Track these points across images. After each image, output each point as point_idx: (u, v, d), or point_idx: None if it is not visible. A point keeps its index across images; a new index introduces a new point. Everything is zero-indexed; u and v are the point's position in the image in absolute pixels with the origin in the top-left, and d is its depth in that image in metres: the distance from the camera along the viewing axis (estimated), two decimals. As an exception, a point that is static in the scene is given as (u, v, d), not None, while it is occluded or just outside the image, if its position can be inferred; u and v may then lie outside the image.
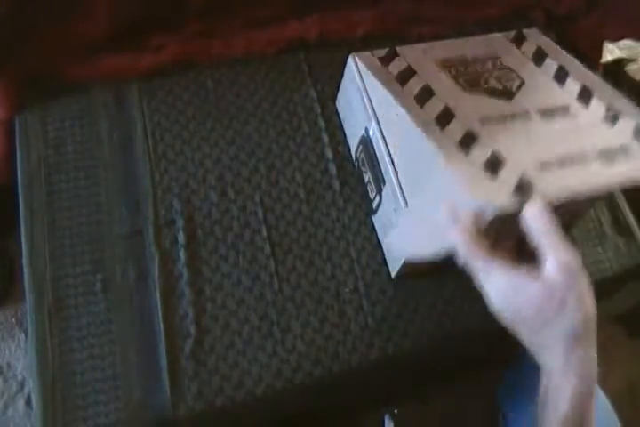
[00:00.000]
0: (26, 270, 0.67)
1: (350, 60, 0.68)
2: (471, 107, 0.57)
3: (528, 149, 0.52)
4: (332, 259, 0.70)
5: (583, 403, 0.45)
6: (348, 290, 0.68)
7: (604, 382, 0.75)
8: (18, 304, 1.16)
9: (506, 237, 0.51)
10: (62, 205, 0.70)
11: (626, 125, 0.55)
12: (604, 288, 0.72)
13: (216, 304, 0.67)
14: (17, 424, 1.09)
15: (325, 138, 0.76)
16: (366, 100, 0.65)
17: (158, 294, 0.66)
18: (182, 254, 0.68)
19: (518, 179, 0.49)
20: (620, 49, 1.15)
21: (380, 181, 0.65)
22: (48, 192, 0.70)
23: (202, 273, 0.68)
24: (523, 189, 0.48)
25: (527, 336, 0.48)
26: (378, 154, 0.64)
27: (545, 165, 0.50)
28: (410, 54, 0.63)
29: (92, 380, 0.63)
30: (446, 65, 0.62)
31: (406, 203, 0.60)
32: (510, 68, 0.62)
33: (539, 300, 0.45)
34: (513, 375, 0.81)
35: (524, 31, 0.66)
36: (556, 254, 0.45)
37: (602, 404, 0.74)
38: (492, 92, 0.59)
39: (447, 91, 0.59)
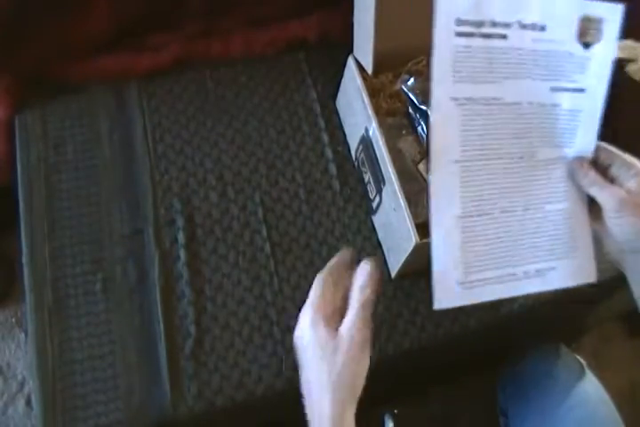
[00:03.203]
0: (26, 270, 0.67)
1: (350, 60, 0.68)
2: None
3: None
4: (332, 259, 0.70)
5: None
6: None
7: (605, 381, 0.76)
8: (18, 304, 1.17)
9: None
10: (62, 205, 0.70)
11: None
12: (603, 288, 0.72)
13: (216, 304, 0.67)
14: (17, 424, 1.09)
15: (325, 138, 0.76)
16: (366, 101, 0.65)
17: (158, 294, 0.66)
18: (182, 254, 0.68)
19: None
20: (620, 49, 1.15)
21: (379, 181, 0.65)
22: (48, 192, 0.70)
23: (202, 273, 0.68)
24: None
25: None
26: (378, 154, 0.64)
27: None
28: None
29: (92, 380, 0.63)
30: None
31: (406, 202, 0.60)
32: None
33: None
34: (513, 375, 0.81)
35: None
36: None
37: (604, 401, 0.74)
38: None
39: None
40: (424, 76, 0.70)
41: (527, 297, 0.70)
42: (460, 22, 0.48)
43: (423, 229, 0.61)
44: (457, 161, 0.50)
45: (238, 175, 0.73)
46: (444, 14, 0.48)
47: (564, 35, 0.51)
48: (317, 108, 0.78)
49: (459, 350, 0.74)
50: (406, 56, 0.70)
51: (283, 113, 0.77)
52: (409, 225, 0.60)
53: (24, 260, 0.67)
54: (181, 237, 0.69)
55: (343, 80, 0.73)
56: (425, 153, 0.66)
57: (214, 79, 0.79)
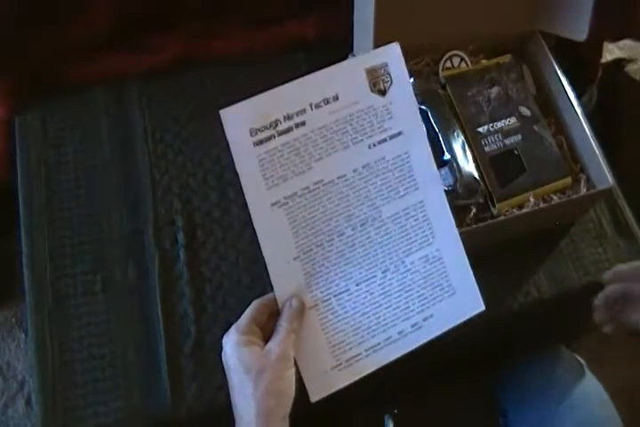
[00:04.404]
0: (26, 270, 0.67)
1: None
2: None
3: None
4: (332, 259, 0.69)
5: None
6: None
7: (604, 382, 0.76)
8: (18, 304, 1.17)
9: None
10: (62, 206, 0.70)
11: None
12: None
13: (216, 304, 0.67)
14: (17, 424, 1.09)
15: (325, 138, 0.76)
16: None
17: (158, 294, 0.66)
18: (182, 254, 0.68)
19: None
20: (620, 49, 1.15)
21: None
22: (48, 192, 0.70)
23: (202, 273, 0.68)
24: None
25: None
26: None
27: None
28: None
29: (92, 380, 0.63)
30: None
31: None
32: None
33: None
34: (513, 375, 0.81)
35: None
36: None
37: (603, 401, 0.74)
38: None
39: None
40: (424, 75, 0.70)
41: (527, 297, 0.70)
42: (254, 132, 0.48)
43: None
44: (295, 258, 0.50)
45: (238, 175, 0.73)
46: (235, 131, 0.47)
47: (358, 94, 0.51)
48: (317, 108, 0.78)
49: (459, 349, 0.74)
50: (406, 56, 0.70)
51: (283, 113, 0.77)
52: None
53: (24, 260, 0.67)
54: (181, 237, 0.69)
55: (343, 80, 0.72)
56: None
57: (214, 79, 0.79)
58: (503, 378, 0.82)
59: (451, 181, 0.64)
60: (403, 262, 0.53)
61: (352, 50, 0.69)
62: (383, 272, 0.52)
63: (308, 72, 0.84)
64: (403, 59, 0.52)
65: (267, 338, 0.49)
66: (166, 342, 0.64)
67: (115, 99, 0.76)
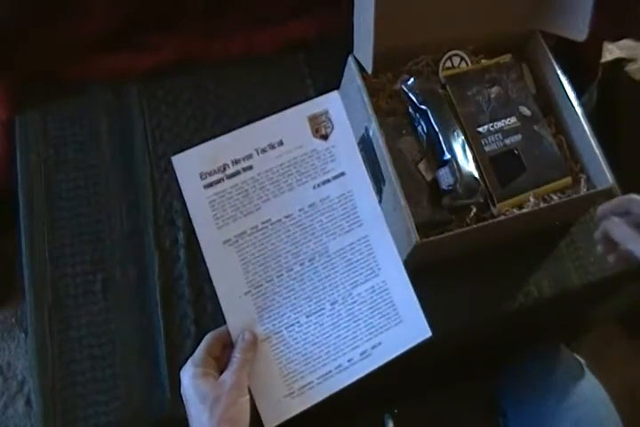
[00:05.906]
0: (26, 270, 0.67)
1: (350, 60, 0.68)
2: None
3: None
4: (332, 259, 0.69)
5: None
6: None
7: (604, 382, 0.76)
8: (18, 304, 1.17)
9: None
10: (62, 205, 0.70)
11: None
12: (603, 288, 0.72)
13: (216, 304, 0.66)
14: (17, 424, 1.09)
15: (325, 138, 0.76)
16: (366, 100, 0.65)
17: (158, 294, 0.66)
18: (182, 254, 0.68)
19: None
20: (620, 49, 1.15)
21: (380, 181, 0.65)
22: (48, 192, 0.70)
23: (202, 273, 0.68)
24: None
25: None
26: (378, 154, 0.64)
27: None
28: None
29: (92, 380, 0.63)
30: None
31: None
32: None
33: None
34: (512, 374, 0.81)
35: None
36: None
37: (603, 401, 0.74)
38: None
39: None
40: (424, 75, 0.71)
41: (527, 297, 0.70)
42: (204, 175, 0.50)
43: (423, 228, 0.61)
44: (246, 293, 0.52)
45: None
46: (186, 175, 0.50)
47: (301, 139, 0.53)
48: (317, 108, 0.78)
49: (458, 349, 0.74)
50: (406, 56, 0.70)
51: (283, 113, 0.77)
52: (409, 225, 0.60)
53: (24, 260, 0.67)
54: (181, 237, 0.69)
55: (343, 80, 0.73)
56: (424, 152, 0.66)
57: (214, 79, 0.79)
58: (503, 378, 0.82)
59: (451, 181, 0.64)
60: (350, 294, 0.54)
61: (352, 50, 0.69)
62: (332, 304, 0.54)
63: (309, 72, 0.84)
64: (342, 105, 0.54)
65: (222, 369, 0.51)
66: (166, 342, 0.64)
67: (115, 99, 0.76)
